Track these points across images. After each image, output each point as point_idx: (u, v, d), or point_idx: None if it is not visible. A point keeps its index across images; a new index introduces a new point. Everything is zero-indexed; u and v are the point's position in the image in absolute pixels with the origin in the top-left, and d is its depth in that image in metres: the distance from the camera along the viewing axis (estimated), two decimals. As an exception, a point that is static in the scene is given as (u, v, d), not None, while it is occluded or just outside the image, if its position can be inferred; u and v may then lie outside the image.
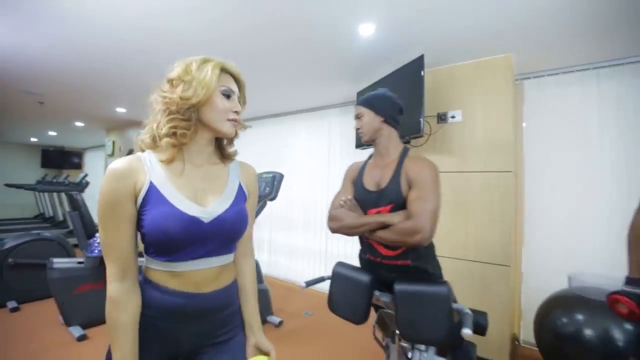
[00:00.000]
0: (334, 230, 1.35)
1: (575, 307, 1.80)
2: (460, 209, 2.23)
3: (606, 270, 1.99)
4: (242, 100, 0.86)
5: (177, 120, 0.75)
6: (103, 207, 0.70)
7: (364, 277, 1.36)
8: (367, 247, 1.40)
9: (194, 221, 0.74)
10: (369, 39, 2.05)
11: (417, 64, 2.05)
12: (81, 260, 2.62)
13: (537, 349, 1.95)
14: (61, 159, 8.19)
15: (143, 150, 0.79)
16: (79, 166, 8.35)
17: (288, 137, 4.05)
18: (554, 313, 1.87)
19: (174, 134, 0.75)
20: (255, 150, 4.27)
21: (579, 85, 2.26)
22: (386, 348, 1.60)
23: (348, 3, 1.69)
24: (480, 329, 1.82)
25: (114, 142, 5.47)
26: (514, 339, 2.37)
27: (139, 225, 0.74)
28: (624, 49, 2.01)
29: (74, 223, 2.90)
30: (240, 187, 0.87)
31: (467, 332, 1.05)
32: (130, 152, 3.51)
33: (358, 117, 1.40)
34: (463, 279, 2.17)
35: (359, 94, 2.73)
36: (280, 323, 2.70)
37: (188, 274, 0.77)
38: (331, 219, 1.35)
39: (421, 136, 2.09)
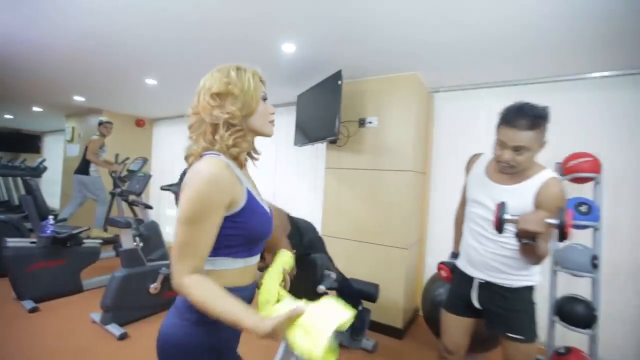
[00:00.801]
0: None
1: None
2: (373, 200, 2.65)
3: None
4: None
5: (237, 132, 0.81)
6: (197, 208, 0.71)
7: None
8: None
9: (270, 217, 0.88)
10: (292, 56, 2.39)
11: (336, 77, 2.42)
12: (34, 240, 2.83)
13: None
14: (17, 142, 7.99)
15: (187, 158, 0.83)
16: (37, 150, 8.18)
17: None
18: (433, 286, 2.34)
19: (237, 144, 0.81)
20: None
21: (475, 99, 2.72)
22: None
23: (273, 27, 2.00)
24: (371, 297, 2.28)
25: (73, 128, 5.52)
26: (416, 310, 2.86)
27: (234, 227, 0.77)
28: (503, 74, 2.47)
29: (27, 206, 3.08)
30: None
31: (320, 287, 1.44)
32: (118, 158, 3.43)
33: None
34: (372, 259, 2.61)
35: (299, 97, 3.07)
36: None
37: (254, 265, 0.87)
38: None
39: (337, 138, 2.47)
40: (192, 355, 0.75)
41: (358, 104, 2.74)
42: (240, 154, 0.81)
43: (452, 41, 2.05)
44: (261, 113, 0.83)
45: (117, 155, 4.28)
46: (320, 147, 3.03)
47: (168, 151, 5.29)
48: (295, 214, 1.57)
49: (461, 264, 1.44)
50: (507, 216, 1.09)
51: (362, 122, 2.72)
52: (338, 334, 0.99)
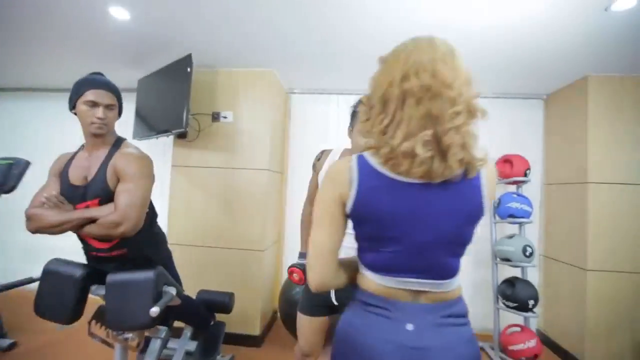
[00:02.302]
0: (32, 231, 1.23)
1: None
2: (228, 202, 2.45)
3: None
4: None
5: None
6: None
7: (75, 271, 1.30)
8: (82, 242, 1.34)
9: None
10: (126, 26, 1.93)
11: (185, 62, 2.11)
12: None
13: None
14: None
15: None
16: None
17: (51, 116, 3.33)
18: (291, 286, 2.33)
19: None
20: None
21: (326, 104, 2.90)
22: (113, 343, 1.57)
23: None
24: (225, 308, 2.07)
25: None
26: (274, 312, 2.81)
27: None
28: (351, 83, 2.71)
29: None
30: None
31: (153, 310, 1.16)
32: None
33: (110, 107, 1.30)
34: (227, 265, 2.40)
35: (140, 81, 2.56)
36: (13, 345, 2.20)
37: None
38: (28, 219, 1.23)
39: (185, 131, 2.17)
40: None
41: (211, 96, 2.48)
42: None
43: (309, 47, 2.10)
44: None
45: None
46: (167, 141, 2.61)
47: None
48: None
49: None
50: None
51: (215, 116, 2.48)
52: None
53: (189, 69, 2.09)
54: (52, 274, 1.32)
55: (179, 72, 2.14)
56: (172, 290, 1.32)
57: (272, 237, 2.70)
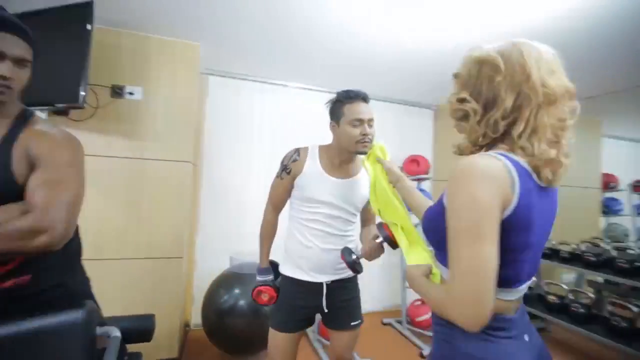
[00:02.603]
0: None
1: (233, 284, 2.09)
2: (134, 201, 1.97)
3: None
4: None
5: None
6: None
7: None
8: None
9: None
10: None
11: (83, 13, 1.55)
12: None
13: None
14: None
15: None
16: None
17: None
18: (218, 293, 2.07)
19: None
20: None
21: (250, 91, 2.66)
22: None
23: None
24: (147, 335, 1.67)
25: None
26: (186, 325, 2.45)
27: None
28: (282, 75, 2.58)
29: None
30: None
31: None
32: None
33: (21, 62, 0.85)
34: (135, 281, 1.94)
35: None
36: None
37: None
38: None
39: (81, 107, 1.61)
40: None
41: (111, 64, 1.92)
42: None
43: (242, 28, 1.88)
44: None
45: None
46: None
47: None
48: None
49: (297, 273, 1.28)
50: (354, 257, 1.14)
51: (117, 91, 1.93)
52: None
53: (88, 26, 1.54)
54: None
55: (72, 25, 1.55)
56: (115, 332, 0.97)
57: (185, 240, 2.32)
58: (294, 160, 1.30)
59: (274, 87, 2.70)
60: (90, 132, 1.86)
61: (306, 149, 1.33)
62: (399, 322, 2.75)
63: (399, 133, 3.12)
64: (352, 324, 1.32)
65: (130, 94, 1.95)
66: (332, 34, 1.92)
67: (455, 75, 0.71)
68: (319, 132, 2.66)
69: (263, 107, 2.71)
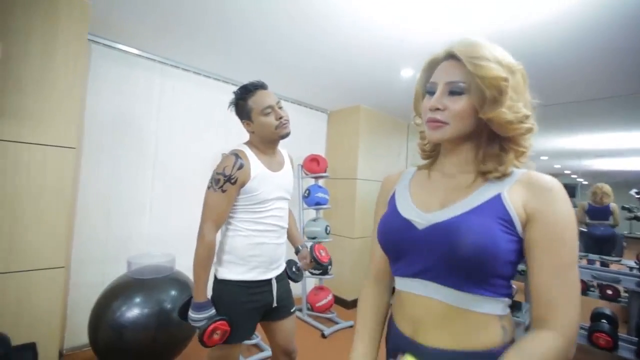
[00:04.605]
0: None
1: (133, 291, 1.80)
2: (5, 200, 1.46)
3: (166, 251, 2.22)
4: None
5: None
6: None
7: None
8: None
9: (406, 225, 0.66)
10: None
11: None
12: None
13: (88, 349, 1.74)
14: None
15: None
16: None
17: None
18: (110, 306, 1.74)
19: None
20: None
21: (144, 71, 2.31)
22: None
23: None
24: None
25: None
26: (61, 352, 1.95)
27: None
28: (184, 58, 2.32)
29: None
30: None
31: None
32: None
33: None
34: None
35: None
36: None
37: (407, 299, 0.66)
38: None
39: None
40: None
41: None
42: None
43: None
44: None
45: None
46: None
47: None
48: None
49: (248, 274, 1.24)
50: (294, 269, 1.49)
51: (-42, 43, 1.37)
52: None
53: None
54: None
55: None
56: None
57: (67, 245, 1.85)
58: (240, 168, 1.18)
59: (176, 70, 2.42)
60: None
61: (242, 152, 1.23)
62: (299, 309, 2.93)
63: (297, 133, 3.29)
64: (292, 310, 1.39)
65: (-20, 50, 1.42)
66: (240, 19, 1.80)
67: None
68: (221, 125, 2.58)
69: (161, 92, 2.39)
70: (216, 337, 1.13)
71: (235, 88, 1.35)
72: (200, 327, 1.11)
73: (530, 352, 0.52)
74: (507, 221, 0.58)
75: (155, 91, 2.36)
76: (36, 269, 1.55)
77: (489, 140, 0.65)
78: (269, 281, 1.28)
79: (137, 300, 1.77)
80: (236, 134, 2.21)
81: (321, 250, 1.82)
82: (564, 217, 0.56)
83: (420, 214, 0.66)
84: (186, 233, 2.11)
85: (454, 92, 0.61)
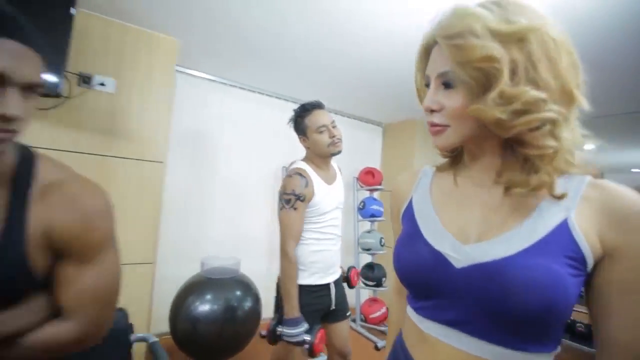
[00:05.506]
0: None
1: (206, 289, 2.04)
2: (114, 204, 1.79)
3: (231, 253, 2.45)
4: None
5: None
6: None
7: None
8: None
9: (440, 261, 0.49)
10: None
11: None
12: None
13: (168, 337, 1.99)
14: None
15: None
16: None
17: None
18: (187, 299, 1.98)
19: None
20: None
21: (219, 94, 2.62)
22: None
23: None
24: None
25: None
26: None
27: None
28: (247, 80, 2.59)
29: None
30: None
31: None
32: None
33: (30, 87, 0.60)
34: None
35: None
36: None
37: (432, 341, 0.51)
38: None
39: (59, 96, 1.45)
40: None
41: (82, 49, 1.73)
42: None
43: (221, 28, 1.87)
44: None
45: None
46: None
47: None
48: None
49: (311, 279, 1.34)
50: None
51: (86, 80, 1.74)
52: None
53: (72, 10, 1.40)
54: None
55: (56, 8, 1.38)
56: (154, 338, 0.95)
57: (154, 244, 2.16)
58: (306, 186, 1.29)
59: (243, 92, 2.70)
60: (56, 123, 1.64)
61: (304, 170, 1.34)
62: (354, 320, 2.97)
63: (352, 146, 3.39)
64: (347, 313, 1.48)
65: (102, 84, 1.78)
66: (300, 44, 1.98)
67: None
68: (282, 140, 2.78)
69: (230, 111, 2.69)
70: (321, 345, 1.26)
71: (295, 106, 1.50)
72: (307, 342, 1.21)
73: None
74: (578, 260, 0.42)
75: (225, 111, 2.66)
76: (132, 263, 1.85)
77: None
78: (327, 285, 1.38)
79: (208, 297, 1.99)
80: (294, 149, 2.39)
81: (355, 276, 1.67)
82: None
83: (456, 246, 0.49)
84: (250, 237, 2.33)
85: (447, 84, 0.47)
